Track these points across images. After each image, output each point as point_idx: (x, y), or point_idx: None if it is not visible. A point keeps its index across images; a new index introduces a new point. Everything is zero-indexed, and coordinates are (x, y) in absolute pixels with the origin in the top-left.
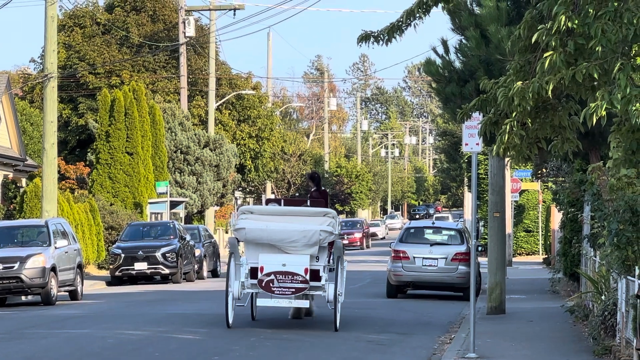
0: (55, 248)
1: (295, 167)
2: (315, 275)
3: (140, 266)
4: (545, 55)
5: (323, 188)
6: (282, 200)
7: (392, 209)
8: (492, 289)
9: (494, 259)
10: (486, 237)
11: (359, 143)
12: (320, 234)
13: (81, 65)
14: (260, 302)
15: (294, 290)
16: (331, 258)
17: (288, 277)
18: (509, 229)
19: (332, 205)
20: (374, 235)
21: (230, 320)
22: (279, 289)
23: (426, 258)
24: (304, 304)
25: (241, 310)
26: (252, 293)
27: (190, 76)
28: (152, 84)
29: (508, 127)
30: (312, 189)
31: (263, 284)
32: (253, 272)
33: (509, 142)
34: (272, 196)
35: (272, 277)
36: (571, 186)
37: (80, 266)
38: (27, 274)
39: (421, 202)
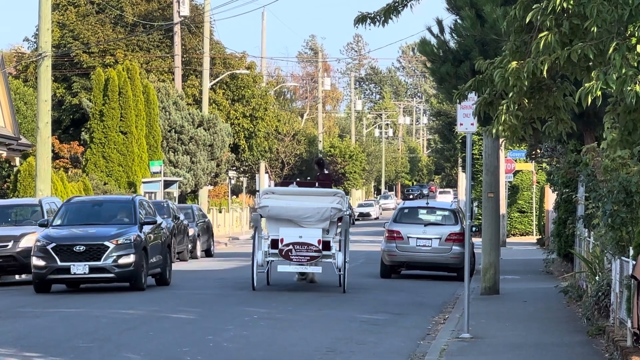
0: None
1: (289, 147)
2: (326, 245)
3: None
4: (540, 35)
5: (327, 172)
6: (295, 183)
7: (385, 189)
8: (486, 269)
9: (488, 240)
10: (480, 217)
11: (352, 123)
12: (331, 210)
13: (75, 45)
14: (281, 268)
15: (309, 258)
16: (338, 231)
17: (304, 247)
18: (503, 209)
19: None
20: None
21: (255, 284)
22: (297, 257)
23: (420, 238)
24: (317, 269)
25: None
26: (269, 263)
27: (185, 55)
28: (146, 63)
29: (505, 108)
30: (319, 173)
31: (283, 253)
32: (274, 243)
33: (505, 122)
34: (266, 176)
35: (291, 247)
36: (566, 167)
37: None
38: (21, 252)
39: (415, 183)
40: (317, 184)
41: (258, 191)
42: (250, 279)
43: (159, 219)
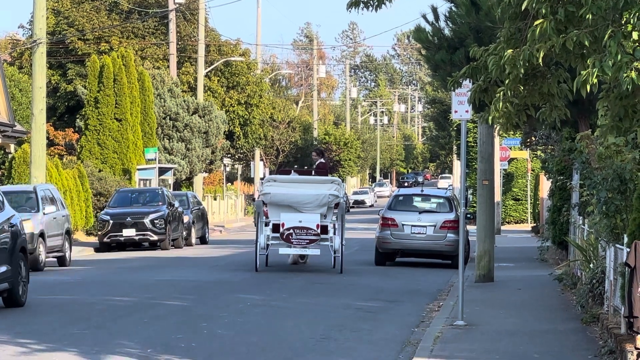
0: (44, 214)
1: (284, 134)
2: (324, 229)
3: (129, 232)
4: (535, 23)
5: (324, 161)
6: (293, 171)
7: (380, 176)
8: (481, 257)
9: (483, 227)
10: (475, 205)
11: (347, 110)
12: (329, 197)
13: (70, 31)
14: (282, 250)
15: (308, 241)
16: (335, 217)
17: (303, 231)
18: (497, 197)
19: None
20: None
21: (258, 265)
22: (297, 240)
23: (415, 226)
24: (316, 252)
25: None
26: (268, 247)
27: (180, 43)
28: (141, 50)
29: (501, 95)
30: (317, 162)
31: (284, 237)
32: (275, 228)
33: (500, 109)
34: (261, 163)
35: (291, 231)
36: (560, 154)
37: (68, 232)
38: None
39: (410, 170)
40: (313, 172)
41: (253, 178)
42: (253, 262)
43: (6, 213)
